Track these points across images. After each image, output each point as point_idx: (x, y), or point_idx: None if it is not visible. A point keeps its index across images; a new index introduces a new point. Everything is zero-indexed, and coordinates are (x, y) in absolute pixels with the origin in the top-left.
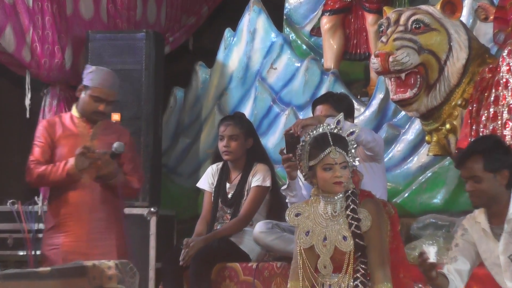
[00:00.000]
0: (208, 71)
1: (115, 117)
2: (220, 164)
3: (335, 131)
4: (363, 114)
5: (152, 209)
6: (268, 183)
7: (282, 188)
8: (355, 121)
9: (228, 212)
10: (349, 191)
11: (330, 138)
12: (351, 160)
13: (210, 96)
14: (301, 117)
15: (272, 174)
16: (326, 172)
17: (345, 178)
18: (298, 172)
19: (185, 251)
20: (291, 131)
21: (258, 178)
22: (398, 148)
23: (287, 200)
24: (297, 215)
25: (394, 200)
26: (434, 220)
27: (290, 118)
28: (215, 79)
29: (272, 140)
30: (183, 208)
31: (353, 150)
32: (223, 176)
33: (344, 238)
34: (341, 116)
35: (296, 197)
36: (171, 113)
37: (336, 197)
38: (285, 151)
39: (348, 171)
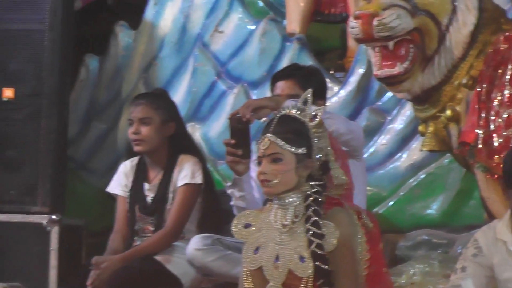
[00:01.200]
0: (132, 34)
1: (7, 93)
2: (135, 160)
3: (297, 113)
4: (338, 94)
5: (53, 217)
6: (198, 179)
7: (227, 185)
8: (327, 103)
9: (150, 222)
10: (311, 197)
11: (274, 123)
12: (300, 151)
13: (135, 67)
14: (254, 97)
15: (203, 167)
16: (257, 167)
17: (273, 175)
18: (252, 167)
19: (95, 273)
20: (238, 115)
21: (185, 175)
22: (383, 141)
23: (232, 203)
24: (246, 226)
25: (375, 209)
26: (428, 237)
27: (240, 98)
28: (141, 44)
29: (216, 128)
30: (95, 216)
31: (315, 140)
32: (140, 175)
33: (302, 259)
34: (309, 93)
35: (245, 200)
36: (81, 89)
37: (287, 200)
38: (232, 141)
39: (287, 167)
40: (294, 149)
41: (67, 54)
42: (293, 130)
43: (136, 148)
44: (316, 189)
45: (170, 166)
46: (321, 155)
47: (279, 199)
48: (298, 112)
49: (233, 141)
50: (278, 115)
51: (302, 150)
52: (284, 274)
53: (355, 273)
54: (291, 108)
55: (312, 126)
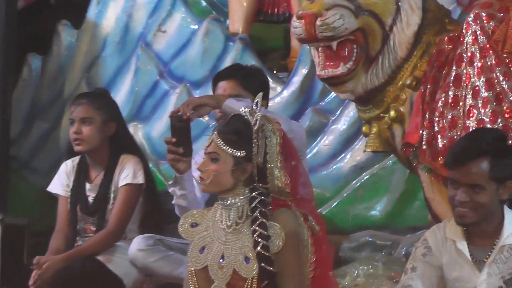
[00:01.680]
0: (75, 33)
1: None
2: (76, 160)
3: (247, 116)
4: (281, 95)
5: None
6: (140, 179)
7: (169, 183)
8: (270, 104)
9: (92, 222)
10: (257, 199)
11: (225, 121)
12: (238, 154)
13: (77, 66)
14: (194, 96)
15: (144, 167)
16: None
17: (207, 174)
18: (194, 166)
19: (37, 273)
20: (179, 113)
21: (126, 175)
22: (326, 142)
23: (173, 202)
24: (193, 225)
25: (318, 210)
26: (371, 239)
27: (182, 98)
28: (84, 44)
29: (158, 127)
30: (37, 216)
31: (257, 142)
32: (81, 175)
33: (246, 259)
34: (259, 97)
35: (186, 199)
36: (24, 89)
37: (229, 202)
38: (173, 140)
39: (222, 168)
40: (232, 151)
41: (9, 53)
42: (236, 131)
43: (77, 148)
44: (261, 190)
45: (112, 166)
46: (259, 160)
47: (221, 199)
48: (249, 114)
49: (173, 139)
50: (232, 115)
51: (241, 153)
52: (228, 274)
53: (300, 275)
54: (245, 109)
55: (255, 130)
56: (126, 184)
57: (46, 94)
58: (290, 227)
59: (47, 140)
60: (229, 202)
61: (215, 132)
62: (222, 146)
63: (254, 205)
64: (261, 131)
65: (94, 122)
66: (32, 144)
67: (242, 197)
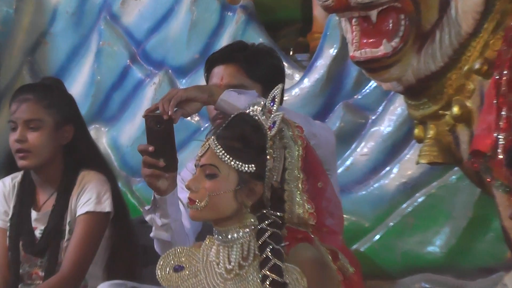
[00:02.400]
0: (14, 1)
1: None
2: (18, 177)
3: (259, 115)
4: (299, 85)
5: None
6: (106, 206)
7: (145, 209)
8: (285, 98)
9: (39, 264)
10: (267, 232)
11: (225, 123)
12: (245, 168)
13: (16, 47)
14: (180, 87)
15: (112, 188)
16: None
17: (201, 195)
18: (180, 184)
19: None
20: (158, 111)
21: (88, 199)
22: (364, 150)
23: (152, 235)
24: (176, 269)
25: (354, 246)
26: (428, 285)
27: (163, 90)
28: (25, 16)
29: (130, 131)
30: None
31: (273, 153)
32: (24, 198)
33: None
34: (278, 89)
35: (170, 230)
36: None
37: (230, 236)
38: (150, 148)
39: (222, 186)
40: (237, 164)
41: None
42: (242, 137)
43: (21, 163)
44: (272, 219)
45: (67, 187)
46: (275, 178)
47: (218, 232)
48: (261, 114)
49: (150, 148)
50: (235, 114)
51: (249, 168)
52: None
53: None
54: (255, 107)
55: (271, 136)
56: (87, 213)
57: None
58: (314, 269)
59: None
60: (229, 236)
61: (213, 137)
62: (223, 156)
63: (263, 240)
64: (279, 138)
65: (44, 126)
66: None
67: (247, 229)
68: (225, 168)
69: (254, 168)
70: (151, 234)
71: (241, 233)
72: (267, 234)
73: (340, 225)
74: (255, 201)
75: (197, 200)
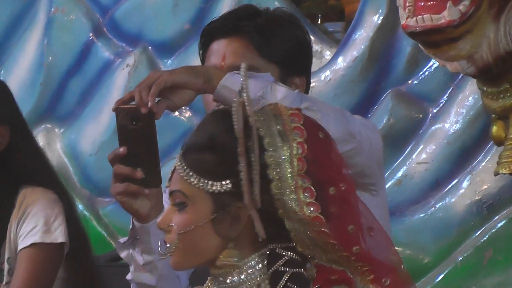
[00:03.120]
0: None
1: None
2: None
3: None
4: (332, 65)
5: None
6: (59, 235)
7: (121, 242)
8: (312, 83)
9: None
10: (285, 273)
11: (196, 127)
12: (218, 187)
13: None
14: (164, 69)
15: (67, 211)
16: None
17: (171, 237)
18: (165, 207)
19: None
20: (133, 103)
21: (33, 227)
22: (422, 156)
23: (129, 278)
24: None
25: None
26: None
27: (139, 73)
28: None
29: (93, 134)
30: None
31: (247, 158)
32: None
33: None
34: (267, 78)
35: (155, 271)
36: None
37: (229, 280)
38: (121, 151)
39: (192, 219)
40: (205, 183)
41: None
42: (212, 144)
43: None
44: (289, 256)
45: (2, 211)
46: (272, 181)
47: (214, 276)
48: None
49: (122, 149)
50: (215, 109)
51: (222, 186)
52: None
53: None
54: (250, 92)
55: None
56: (32, 245)
57: None
58: None
59: None
60: (228, 280)
61: (180, 152)
62: (186, 175)
63: (283, 285)
64: (255, 135)
65: None
66: None
67: (251, 269)
68: (194, 193)
69: (230, 185)
70: (128, 277)
71: (243, 276)
72: (285, 277)
73: (394, 256)
74: (245, 232)
75: (169, 244)
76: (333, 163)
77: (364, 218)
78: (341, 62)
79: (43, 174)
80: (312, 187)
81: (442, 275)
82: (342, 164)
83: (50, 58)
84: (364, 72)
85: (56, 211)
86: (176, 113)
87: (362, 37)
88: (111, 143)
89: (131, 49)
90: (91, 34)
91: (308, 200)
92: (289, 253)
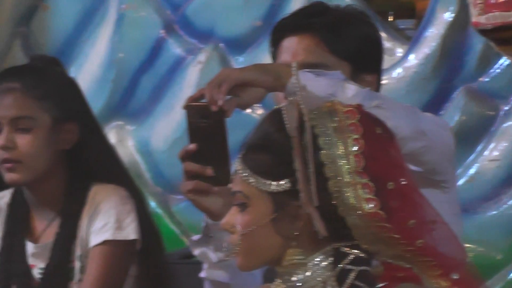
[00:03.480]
0: None
1: None
2: (6, 197)
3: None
4: (403, 63)
5: None
6: (131, 232)
7: (193, 239)
8: (384, 80)
9: None
10: (352, 272)
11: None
12: (276, 186)
13: (4, 13)
14: (236, 66)
15: (139, 208)
16: None
17: (235, 237)
18: None
19: None
20: (203, 100)
21: (105, 223)
22: (494, 154)
23: (203, 275)
24: None
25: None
26: None
27: (211, 70)
28: None
29: (165, 131)
30: None
31: (303, 157)
32: (15, 226)
33: None
34: (338, 76)
35: (228, 268)
36: None
37: (294, 278)
38: (191, 148)
39: (253, 219)
40: (263, 183)
41: None
42: (268, 144)
43: (10, 177)
44: (356, 254)
45: (73, 208)
46: (329, 179)
47: (279, 274)
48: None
49: (191, 147)
50: (274, 108)
51: (279, 186)
52: None
53: None
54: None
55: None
56: (105, 242)
57: None
58: None
59: None
60: (293, 278)
61: (240, 152)
62: (244, 175)
63: (350, 284)
64: (309, 134)
65: (37, 126)
66: None
67: (316, 267)
68: (253, 193)
69: (288, 185)
70: (202, 274)
71: (309, 273)
72: (353, 275)
73: (461, 251)
74: (305, 230)
75: (233, 244)
76: (392, 158)
77: (426, 213)
78: (413, 59)
79: (114, 171)
80: (370, 182)
81: None
82: (402, 159)
83: (121, 54)
84: (435, 69)
85: (128, 208)
86: (248, 110)
87: (433, 34)
88: (183, 140)
89: (202, 46)
90: (162, 31)
91: (367, 196)
92: (354, 251)
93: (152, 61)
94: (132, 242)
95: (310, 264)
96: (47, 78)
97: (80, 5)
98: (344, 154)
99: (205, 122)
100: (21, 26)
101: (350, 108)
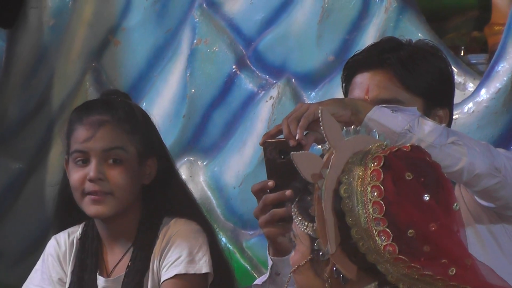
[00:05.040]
0: None
1: None
2: (76, 232)
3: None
4: (475, 97)
5: None
6: (204, 266)
7: (258, 283)
8: (455, 115)
9: None
10: None
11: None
12: (305, 228)
13: (75, 48)
14: (308, 101)
15: (210, 242)
16: None
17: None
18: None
19: None
20: (281, 136)
21: (177, 258)
22: None
23: None
24: None
25: None
26: None
27: (284, 105)
28: (87, 4)
29: (237, 167)
30: None
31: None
32: (86, 260)
33: None
34: (414, 112)
35: None
36: None
37: None
38: (269, 185)
39: (300, 258)
40: (303, 224)
41: None
42: (303, 186)
43: (95, 210)
44: None
45: (146, 242)
46: (350, 228)
47: None
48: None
49: (270, 184)
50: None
51: (307, 227)
52: None
53: None
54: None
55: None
56: (176, 276)
57: (16, 104)
58: None
59: (19, 194)
60: None
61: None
62: (294, 217)
63: None
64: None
65: (127, 158)
66: None
67: None
68: (300, 233)
69: (311, 231)
70: None
71: None
72: None
73: None
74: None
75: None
76: (419, 204)
77: (461, 253)
78: (484, 94)
79: (186, 206)
80: (387, 229)
81: None
82: (430, 205)
83: (193, 90)
84: (507, 103)
85: (200, 242)
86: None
87: (505, 69)
88: (255, 176)
89: (274, 81)
90: (234, 66)
91: (384, 243)
92: None
93: (224, 96)
94: (204, 276)
95: None
96: (134, 113)
97: (152, 40)
98: (361, 202)
99: (283, 158)
100: (92, 61)
101: (378, 155)
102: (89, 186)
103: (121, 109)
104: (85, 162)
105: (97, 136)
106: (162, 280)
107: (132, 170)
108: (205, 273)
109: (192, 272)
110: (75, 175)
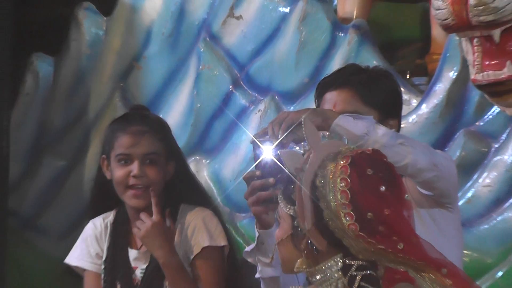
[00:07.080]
0: (103, 22)
1: None
2: (110, 216)
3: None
4: (417, 111)
5: None
6: (222, 240)
7: (247, 251)
8: (402, 125)
9: None
10: (358, 277)
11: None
12: (287, 209)
13: (106, 72)
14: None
15: (221, 221)
16: None
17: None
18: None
19: None
20: (267, 136)
21: (201, 236)
22: (486, 181)
23: (258, 276)
24: None
25: (478, 283)
26: None
27: (269, 117)
28: (116, 37)
29: (232, 164)
30: None
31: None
32: (120, 238)
33: None
34: (371, 120)
35: (278, 265)
36: (27, 107)
37: (313, 279)
38: (256, 174)
39: (284, 232)
40: (285, 208)
41: (2, 54)
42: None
43: (137, 203)
44: (361, 262)
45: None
46: (323, 210)
47: (309, 275)
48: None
49: (258, 172)
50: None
51: (290, 210)
52: None
53: None
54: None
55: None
56: (203, 249)
57: (60, 115)
58: None
59: (62, 186)
60: (313, 278)
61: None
62: (280, 201)
63: (357, 285)
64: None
65: (160, 160)
66: (40, 192)
67: (329, 271)
68: (283, 214)
69: (292, 212)
70: (257, 275)
71: (319, 277)
72: (359, 277)
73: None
74: (312, 248)
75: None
76: (377, 193)
77: (408, 232)
78: (424, 108)
79: (198, 195)
80: (352, 212)
81: (501, 272)
82: (390, 194)
83: (198, 104)
84: (442, 116)
85: (215, 223)
86: (299, 146)
87: (440, 88)
88: (246, 171)
89: (262, 98)
90: (231, 86)
91: (349, 223)
92: (357, 261)
93: (222, 109)
94: (222, 248)
95: (322, 269)
96: (163, 124)
97: (166, 65)
98: (332, 191)
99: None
100: (120, 82)
101: (344, 163)
102: (132, 180)
103: (155, 122)
104: (127, 162)
105: (140, 143)
106: (192, 256)
107: (162, 170)
108: (223, 246)
109: (214, 244)
110: (120, 172)
